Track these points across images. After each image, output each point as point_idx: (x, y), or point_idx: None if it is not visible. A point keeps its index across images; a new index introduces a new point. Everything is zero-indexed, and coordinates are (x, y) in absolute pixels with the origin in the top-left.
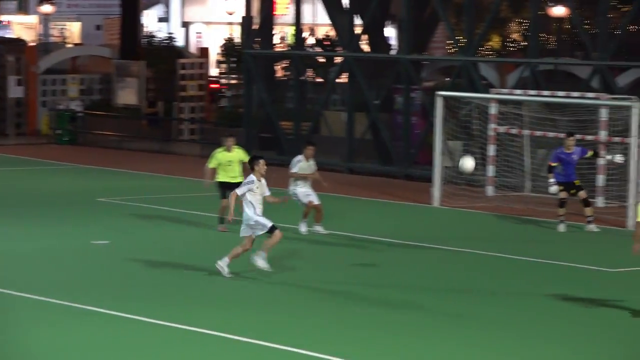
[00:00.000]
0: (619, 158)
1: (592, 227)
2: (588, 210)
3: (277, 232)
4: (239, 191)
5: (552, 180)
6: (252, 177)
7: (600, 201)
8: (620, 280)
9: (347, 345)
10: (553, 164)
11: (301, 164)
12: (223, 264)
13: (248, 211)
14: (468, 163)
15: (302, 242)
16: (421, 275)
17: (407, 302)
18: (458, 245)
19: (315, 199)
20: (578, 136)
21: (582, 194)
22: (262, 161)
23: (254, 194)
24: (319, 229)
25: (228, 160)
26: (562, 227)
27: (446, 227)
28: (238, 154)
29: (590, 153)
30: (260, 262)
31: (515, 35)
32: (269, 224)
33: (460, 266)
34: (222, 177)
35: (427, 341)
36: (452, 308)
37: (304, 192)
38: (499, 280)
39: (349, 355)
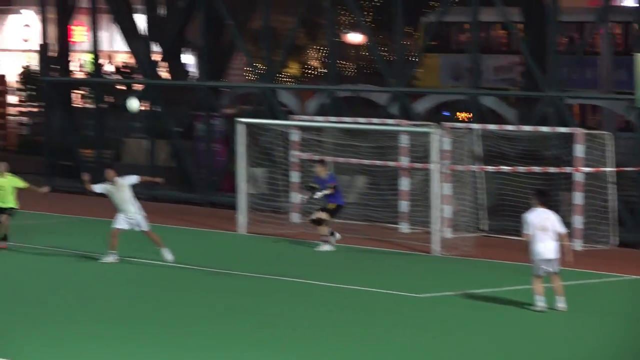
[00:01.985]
0: (318, 194)
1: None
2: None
3: None
4: None
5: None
6: None
7: (404, 227)
8: (427, 305)
9: None
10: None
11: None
12: None
13: None
14: (133, 104)
15: (96, 266)
16: (220, 302)
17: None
18: (260, 271)
19: None
20: (379, 162)
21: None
22: None
23: None
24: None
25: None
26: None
27: (250, 253)
28: (10, 180)
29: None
30: None
31: (313, 62)
32: None
33: (264, 292)
34: None
35: None
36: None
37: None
38: (301, 306)
39: None
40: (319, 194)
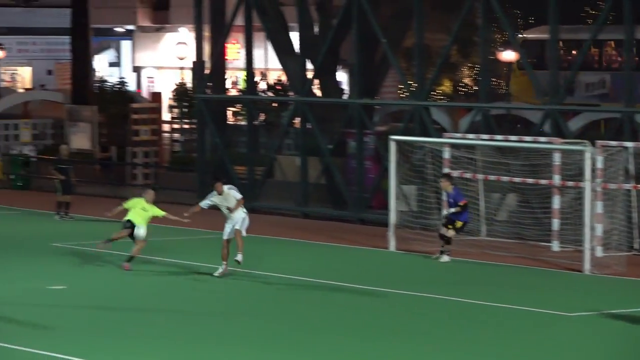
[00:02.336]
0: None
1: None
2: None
3: None
4: None
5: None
6: None
7: (555, 245)
8: (577, 324)
9: None
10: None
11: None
12: None
13: None
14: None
15: (250, 283)
16: (367, 318)
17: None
18: (412, 289)
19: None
20: (530, 180)
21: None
22: None
23: None
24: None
25: (142, 207)
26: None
27: (400, 271)
28: (153, 209)
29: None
30: None
31: (466, 80)
32: None
33: (416, 310)
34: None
35: None
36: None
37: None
38: (453, 324)
39: None
40: (446, 212)
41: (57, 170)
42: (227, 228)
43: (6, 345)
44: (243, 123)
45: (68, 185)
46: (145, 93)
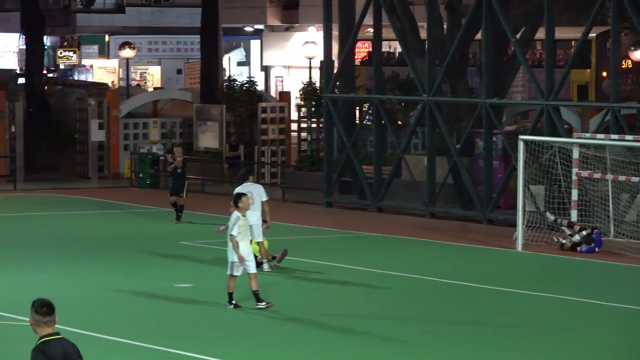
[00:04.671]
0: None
1: None
2: None
3: None
4: None
5: None
6: None
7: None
8: None
9: None
10: None
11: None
12: None
13: None
14: None
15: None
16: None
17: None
18: (538, 289)
19: None
20: None
21: None
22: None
23: None
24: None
25: None
26: None
27: (527, 271)
28: None
29: None
30: None
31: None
32: None
33: (540, 310)
34: None
35: None
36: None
37: None
38: (578, 325)
39: None
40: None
41: (170, 171)
42: None
43: (131, 342)
44: (370, 122)
45: (179, 186)
46: (273, 92)
